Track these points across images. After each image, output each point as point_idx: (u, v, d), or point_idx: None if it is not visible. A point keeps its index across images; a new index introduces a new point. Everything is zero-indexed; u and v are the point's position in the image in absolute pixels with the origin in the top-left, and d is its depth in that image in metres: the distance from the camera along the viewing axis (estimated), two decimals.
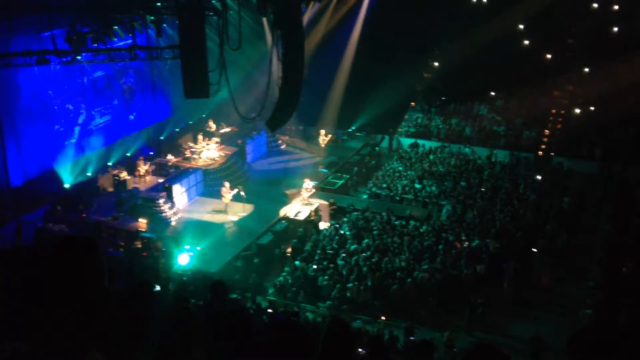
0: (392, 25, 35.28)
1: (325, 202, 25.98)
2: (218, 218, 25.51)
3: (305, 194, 26.11)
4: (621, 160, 30.24)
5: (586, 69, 36.09)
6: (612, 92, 31.69)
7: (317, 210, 25.51)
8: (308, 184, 26.49)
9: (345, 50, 36.26)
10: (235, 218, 25.37)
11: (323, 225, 25.07)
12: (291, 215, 24.96)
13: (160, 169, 28.79)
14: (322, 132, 33.57)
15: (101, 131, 28.46)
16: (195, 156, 29.09)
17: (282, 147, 34.63)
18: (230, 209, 25.74)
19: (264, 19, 25.78)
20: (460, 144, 33.37)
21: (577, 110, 34.66)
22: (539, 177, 29.19)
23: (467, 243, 22.48)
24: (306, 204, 25.65)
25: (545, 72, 36.81)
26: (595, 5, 37.02)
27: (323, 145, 33.30)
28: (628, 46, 32.96)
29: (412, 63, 36.95)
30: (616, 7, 36.56)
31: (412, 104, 38.05)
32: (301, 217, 24.68)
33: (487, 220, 24.15)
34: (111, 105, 29.04)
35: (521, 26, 37.37)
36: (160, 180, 27.58)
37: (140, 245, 22.27)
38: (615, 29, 36.56)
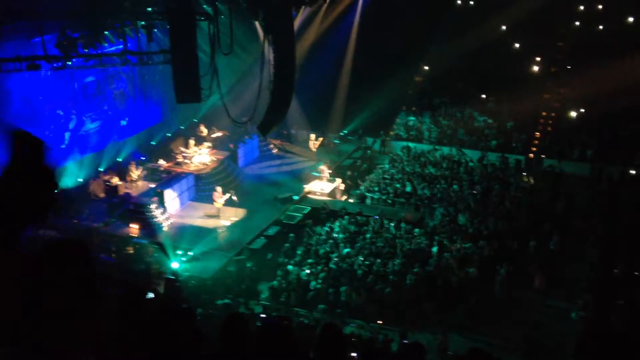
0: (383, 29, 35.39)
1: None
2: (210, 223, 25.43)
3: (325, 173, 28.98)
4: (612, 161, 30.43)
5: (576, 71, 36.31)
6: (602, 94, 31.91)
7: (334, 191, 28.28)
8: (324, 167, 29.35)
9: (337, 55, 36.32)
10: (228, 223, 25.30)
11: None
12: (315, 191, 28.18)
13: (151, 174, 28.69)
14: (313, 136, 33.60)
15: (92, 137, 28.34)
16: (187, 161, 29.01)
17: (274, 151, 34.60)
18: (223, 214, 25.67)
19: (257, 23, 25.82)
20: (451, 147, 33.46)
21: (568, 113, 34.84)
22: (530, 180, 29.32)
23: (459, 246, 22.55)
24: (328, 181, 28.87)
25: (535, 74, 37.06)
26: (585, 8, 37.33)
27: (314, 149, 33.31)
28: (617, 48, 33.21)
29: (403, 67, 37.06)
30: (605, 8, 36.86)
31: (403, 107, 38.13)
32: (325, 191, 28.10)
33: (479, 223, 24.22)
34: (102, 110, 28.93)
35: (511, 29, 37.63)
36: (152, 186, 27.47)
37: (132, 251, 22.19)
38: (604, 31, 36.85)
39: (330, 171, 29.54)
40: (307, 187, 28.58)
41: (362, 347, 15.28)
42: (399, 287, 19.73)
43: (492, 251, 22.02)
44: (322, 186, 28.71)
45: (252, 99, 19.52)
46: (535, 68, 37.46)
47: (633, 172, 29.28)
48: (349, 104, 35.93)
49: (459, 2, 39.04)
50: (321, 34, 35.29)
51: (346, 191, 29.58)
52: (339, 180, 29.40)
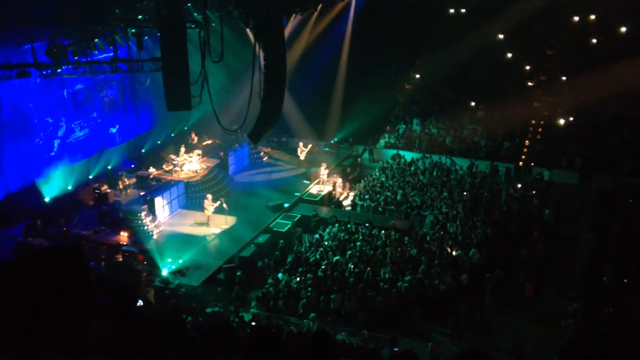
0: (374, 37, 35.57)
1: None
2: (200, 231, 25.41)
3: (323, 175, 29.92)
4: (600, 170, 30.62)
5: (565, 80, 36.54)
6: (591, 103, 32.10)
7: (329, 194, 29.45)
8: (324, 168, 30.17)
9: (328, 63, 36.43)
10: (218, 230, 25.29)
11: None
12: (314, 192, 29.48)
13: (141, 182, 28.62)
14: (301, 143, 33.66)
15: (81, 144, 28.27)
16: (177, 169, 28.98)
17: (264, 159, 34.63)
18: (213, 222, 25.65)
19: (248, 30, 25.88)
20: (441, 155, 33.56)
21: (557, 121, 35.03)
22: (519, 187, 29.43)
23: (449, 253, 22.61)
24: (325, 183, 29.95)
25: (525, 83, 37.25)
26: (574, 17, 37.58)
27: (302, 157, 33.36)
28: (607, 57, 33.44)
29: (394, 75, 37.21)
30: (594, 18, 37.13)
31: (394, 115, 38.20)
32: (322, 193, 29.21)
33: (469, 230, 24.28)
34: (91, 118, 28.87)
35: (501, 37, 37.81)
36: (142, 193, 27.43)
37: (121, 259, 22.10)
38: (594, 40, 37.10)
39: (328, 171, 30.23)
40: (309, 188, 29.73)
41: (354, 355, 15.27)
42: (390, 295, 19.73)
43: (482, 259, 22.07)
44: (319, 188, 29.67)
45: (243, 106, 19.47)
46: (525, 77, 37.65)
47: (622, 180, 29.49)
48: (339, 112, 36.04)
49: (450, 11, 39.22)
50: (312, 42, 35.42)
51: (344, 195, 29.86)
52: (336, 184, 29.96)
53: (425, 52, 39.32)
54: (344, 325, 18.80)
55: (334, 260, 21.93)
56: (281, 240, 23.84)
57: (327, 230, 24.82)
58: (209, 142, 33.03)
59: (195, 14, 21.72)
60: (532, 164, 32.76)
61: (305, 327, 18.33)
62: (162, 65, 18.07)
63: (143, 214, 24.66)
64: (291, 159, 34.48)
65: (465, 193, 28.29)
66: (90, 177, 28.53)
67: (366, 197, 28.61)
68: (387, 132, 36.78)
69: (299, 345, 4.16)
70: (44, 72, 19.74)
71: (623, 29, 36.05)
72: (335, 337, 17.29)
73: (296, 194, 29.19)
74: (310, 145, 33.89)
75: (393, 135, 36.40)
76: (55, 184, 26.44)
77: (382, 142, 36.22)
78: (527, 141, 34.77)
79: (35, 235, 23.05)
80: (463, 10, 38.77)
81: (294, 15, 29.95)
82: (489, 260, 22.04)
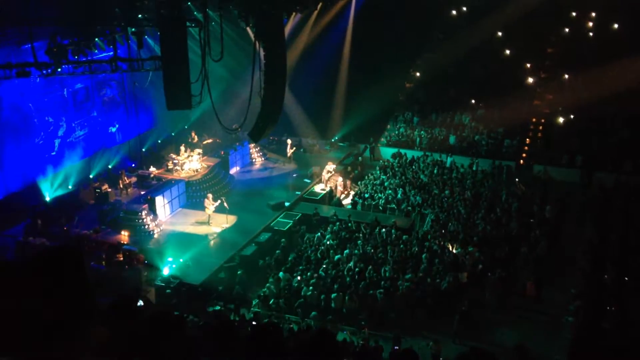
0: (375, 36, 35.54)
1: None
2: (201, 229, 25.39)
3: (326, 175, 29.95)
4: (601, 167, 30.58)
5: (566, 77, 36.49)
6: (591, 100, 32.06)
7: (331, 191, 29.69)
8: (330, 166, 30.36)
9: (328, 61, 36.40)
10: (219, 229, 25.27)
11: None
12: (317, 190, 29.52)
13: (142, 181, 28.61)
14: (289, 141, 33.66)
15: (82, 144, 28.27)
16: (177, 168, 28.96)
17: (262, 159, 34.51)
18: (213, 221, 25.64)
19: (248, 29, 25.91)
20: (442, 153, 33.51)
21: (558, 119, 34.97)
22: (520, 186, 29.40)
23: (450, 251, 22.57)
24: (326, 182, 30.00)
25: (525, 81, 37.21)
26: (575, 15, 37.58)
27: (289, 154, 33.38)
28: (606, 54, 33.41)
29: (395, 73, 37.18)
30: (595, 15, 37.12)
31: (395, 113, 38.17)
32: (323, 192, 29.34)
33: (469, 229, 24.25)
34: (91, 117, 28.86)
35: (501, 35, 37.81)
36: (142, 192, 27.42)
37: (122, 258, 22.08)
38: (594, 37, 37.08)
39: (334, 171, 30.38)
40: (310, 187, 29.83)
41: (355, 354, 15.25)
42: (391, 294, 19.71)
43: (482, 257, 22.04)
44: (322, 187, 29.83)
45: (243, 105, 19.45)
46: (526, 74, 37.61)
47: (623, 178, 29.47)
48: (341, 110, 36.02)
49: (451, 9, 39.25)
50: (313, 40, 35.40)
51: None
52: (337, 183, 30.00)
53: (425, 50, 39.30)
54: (345, 324, 18.79)
55: (335, 258, 21.93)
56: (282, 239, 23.84)
57: (328, 228, 24.81)
58: (210, 141, 33.02)
59: (195, 13, 21.70)
60: (533, 162, 32.71)
61: (306, 326, 18.32)
62: (162, 64, 18.05)
63: (144, 213, 24.65)
64: (285, 159, 34.40)
65: (466, 191, 28.26)
66: (91, 176, 28.52)
67: (367, 195, 28.59)
68: (388, 131, 36.73)
69: (300, 344, 4.14)
70: (44, 72, 19.70)
71: (624, 27, 36.02)
72: (336, 336, 17.27)
73: (297, 192, 29.19)
74: (295, 146, 34.04)
75: (394, 134, 36.35)
76: (55, 183, 26.44)
77: (383, 140, 36.16)
78: (527, 139, 34.72)
79: (36, 235, 23.03)
80: (464, 9, 38.80)
81: (294, 13, 29.91)
82: (490, 259, 22.02)
